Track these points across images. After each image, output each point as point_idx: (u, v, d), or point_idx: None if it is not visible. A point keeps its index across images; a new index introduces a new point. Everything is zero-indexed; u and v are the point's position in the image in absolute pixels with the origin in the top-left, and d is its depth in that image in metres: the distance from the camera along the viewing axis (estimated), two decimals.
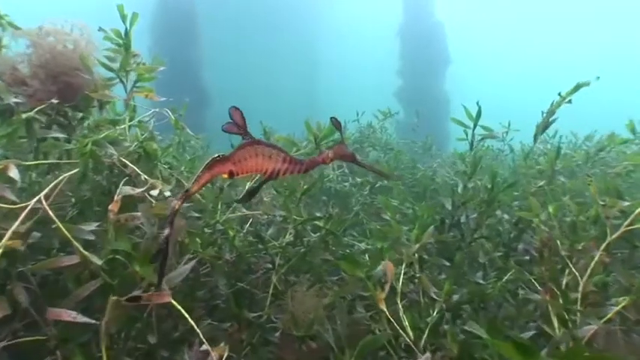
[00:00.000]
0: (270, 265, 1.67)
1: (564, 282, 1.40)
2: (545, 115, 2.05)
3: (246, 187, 1.73)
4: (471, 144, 2.06)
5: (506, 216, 2.08)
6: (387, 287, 1.25)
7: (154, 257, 1.02)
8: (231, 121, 1.00)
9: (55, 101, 1.64)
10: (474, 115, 1.93)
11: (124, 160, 1.57)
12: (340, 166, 3.20)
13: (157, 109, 1.88)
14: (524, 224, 1.93)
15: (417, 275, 1.49)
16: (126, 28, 1.86)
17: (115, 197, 1.39)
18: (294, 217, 1.67)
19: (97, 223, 1.37)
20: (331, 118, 1.09)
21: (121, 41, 1.86)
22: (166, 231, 0.96)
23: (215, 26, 14.73)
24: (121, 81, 1.89)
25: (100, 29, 1.85)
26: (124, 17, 1.86)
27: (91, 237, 1.30)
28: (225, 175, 1.00)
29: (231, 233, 1.82)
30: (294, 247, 1.66)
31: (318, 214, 1.80)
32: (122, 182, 1.52)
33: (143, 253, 1.16)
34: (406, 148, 4.71)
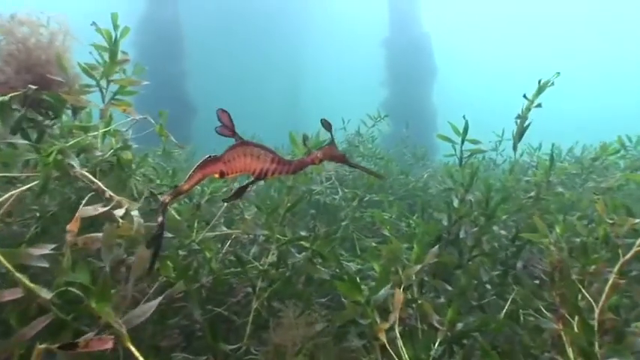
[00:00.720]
0: (250, 290, 1.50)
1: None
2: (518, 122, 1.96)
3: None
4: (460, 159, 1.96)
5: (502, 232, 1.96)
6: (392, 317, 1.11)
7: (148, 244, 1.06)
8: (221, 124, 1.03)
9: (32, 87, 1.48)
10: (461, 129, 1.83)
11: (85, 172, 1.40)
12: (329, 178, 3.06)
13: (138, 117, 1.72)
14: (522, 240, 1.81)
15: (417, 299, 1.34)
16: (116, 36, 1.71)
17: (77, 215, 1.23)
18: (278, 236, 1.51)
19: (54, 246, 1.20)
20: (322, 119, 1.07)
21: (108, 46, 1.71)
22: (159, 219, 1.01)
23: (200, 37, 14.59)
24: (100, 90, 1.73)
25: (93, 24, 1.70)
26: (116, 26, 1.71)
27: (43, 264, 1.12)
28: (216, 175, 1.02)
29: (209, 254, 1.66)
30: (277, 270, 1.50)
31: (303, 233, 1.65)
32: (87, 198, 1.36)
33: (100, 286, 0.98)
34: (396, 159, 4.58)
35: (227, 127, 1.02)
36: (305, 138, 1.15)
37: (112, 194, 1.35)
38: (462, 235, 1.62)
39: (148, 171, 1.83)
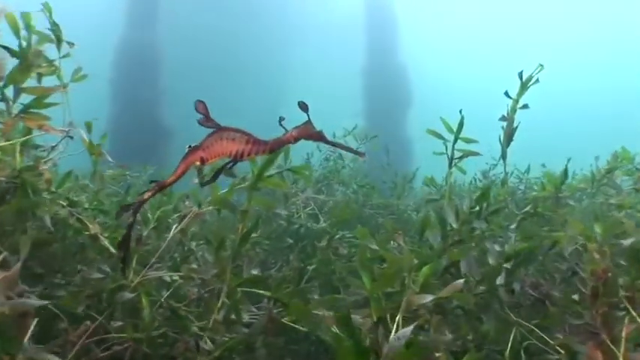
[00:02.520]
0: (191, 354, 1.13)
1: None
2: (505, 126, 1.75)
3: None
4: (451, 160, 1.70)
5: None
6: None
7: (118, 246, 1.08)
8: (202, 116, 1.04)
9: None
10: (454, 126, 1.58)
11: None
12: (307, 204, 2.72)
13: (59, 133, 1.36)
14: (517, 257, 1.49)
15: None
16: (28, 41, 1.36)
17: None
18: (229, 278, 1.15)
19: None
20: (299, 101, 1.04)
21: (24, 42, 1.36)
22: (130, 219, 1.03)
23: (178, 62, 14.41)
24: (4, 100, 1.36)
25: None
26: (30, 27, 1.36)
27: None
28: (198, 162, 1.04)
29: (145, 303, 1.28)
30: (227, 327, 1.14)
31: (260, 273, 1.29)
32: None
33: None
34: (377, 185, 4.26)
35: (207, 118, 1.03)
36: (281, 119, 1.08)
37: None
38: (464, 267, 1.28)
39: (76, 195, 1.46)
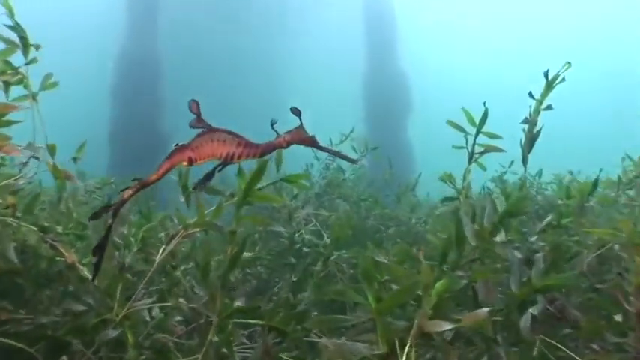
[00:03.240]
0: None
1: None
2: (526, 130, 1.59)
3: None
4: (471, 156, 1.58)
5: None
6: None
7: (94, 250, 1.01)
8: (195, 117, 1.01)
9: None
10: (477, 119, 1.46)
11: None
12: (309, 220, 2.59)
13: (20, 154, 1.24)
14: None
15: None
16: None
17: None
18: (219, 307, 1.02)
19: None
20: (291, 107, 1.03)
21: None
22: (109, 221, 0.98)
23: (177, 74, 14.47)
24: None
25: None
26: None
27: None
28: (185, 163, 1.01)
29: (131, 340, 1.15)
30: None
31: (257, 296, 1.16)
32: None
33: None
34: (380, 199, 4.10)
35: (199, 119, 1.01)
36: (273, 122, 1.06)
37: None
38: (481, 293, 1.13)
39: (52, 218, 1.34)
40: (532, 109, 1.52)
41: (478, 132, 1.49)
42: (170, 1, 15.00)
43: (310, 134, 1.03)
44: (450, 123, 1.52)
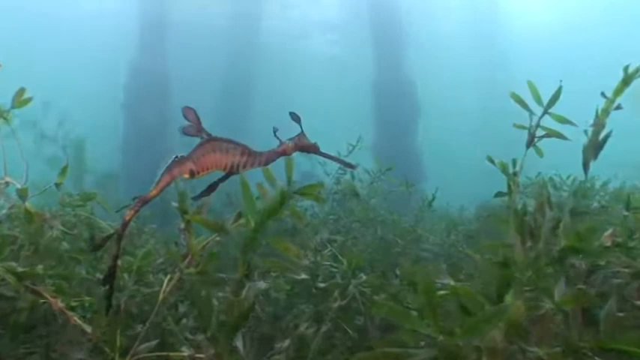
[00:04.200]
0: None
1: None
2: (592, 133, 1.40)
3: None
4: (531, 139, 1.39)
5: None
6: None
7: (103, 281, 0.98)
8: (187, 122, 0.98)
9: None
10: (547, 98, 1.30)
11: None
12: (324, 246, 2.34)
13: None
14: None
15: None
16: None
17: None
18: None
19: None
20: (290, 112, 1.01)
21: None
22: (114, 249, 0.94)
23: (187, 89, 14.73)
24: None
25: None
26: None
27: None
28: (186, 176, 0.97)
29: None
30: None
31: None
32: None
33: None
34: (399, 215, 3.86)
35: (193, 126, 0.97)
36: (275, 130, 1.02)
37: None
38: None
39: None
40: (599, 111, 1.34)
41: (545, 112, 1.32)
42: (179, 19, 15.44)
43: (312, 141, 1.02)
44: (514, 96, 1.35)
